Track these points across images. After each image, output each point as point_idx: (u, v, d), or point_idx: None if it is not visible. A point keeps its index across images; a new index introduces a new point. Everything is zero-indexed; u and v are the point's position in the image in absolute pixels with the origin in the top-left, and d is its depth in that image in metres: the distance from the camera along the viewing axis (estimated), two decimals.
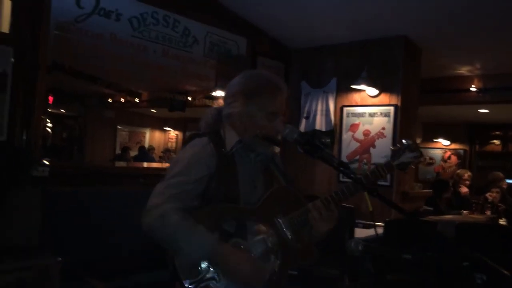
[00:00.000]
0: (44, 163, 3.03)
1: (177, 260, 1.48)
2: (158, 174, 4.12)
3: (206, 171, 1.58)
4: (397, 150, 1.70)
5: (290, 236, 1.62)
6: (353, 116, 5.07)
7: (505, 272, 1.16)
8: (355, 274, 2.19)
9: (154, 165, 6.95)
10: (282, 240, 1.61)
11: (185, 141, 1.70)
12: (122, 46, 3.88)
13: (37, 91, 3.19)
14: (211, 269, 1.48)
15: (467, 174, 5.98)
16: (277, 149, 1.88)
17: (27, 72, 3.12)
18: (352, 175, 1.52)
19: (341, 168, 1.51)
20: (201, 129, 1.73)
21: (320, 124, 5.22)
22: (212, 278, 1.47)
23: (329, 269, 2.59)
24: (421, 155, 1.70)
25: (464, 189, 5.84)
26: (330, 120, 5.15)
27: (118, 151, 10.79)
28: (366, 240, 1.55)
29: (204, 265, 1.48)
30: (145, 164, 6.55)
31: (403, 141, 1.70)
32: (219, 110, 1.73)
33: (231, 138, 1.67)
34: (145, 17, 3.95)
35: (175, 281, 1.51)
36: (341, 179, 4.96)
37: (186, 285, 1.45)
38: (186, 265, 1.48)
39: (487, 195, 5.60)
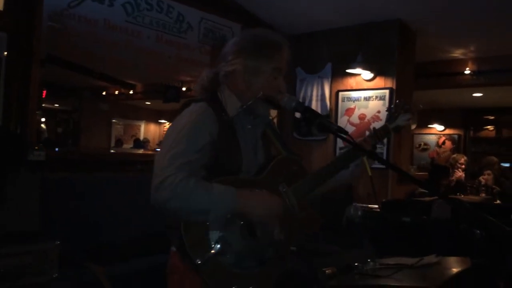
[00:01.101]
0: (41, 148, 3.02)
1: (186, 237, 1.43)
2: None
3: (209, 138, 1.51)
4: (393, 113, 1.71)
5: (295, 205, 1.61)
6: (348, 101, 5.08)
7: (503, 225, 1.18)
8: (354, 247, 2.21)
9: (150, 151, 6.95)
10: (287, 209, 1.59)
11: (181, 107, 1.61)
12: (115, 31, 3.86)
13: (31, 81, 3.17)
14: (220, 243, 1.45)
15: (463, 159, 6.03)
16: (273, 113, 1.86)
17: (21, 61, 3.10)
18: (351, 140, 1.52)
19: (341, 134, 1.52)
20: (197, 93, 1.66)
21: (315, 109, 5.22)
22: (221, 253, 1.44)
23: (329, 245, 2.60)
24: (414, 117, 1.72)
25: (459, 173, 5.89)
26: (326, 105, 5.16)
27: (113, 145, 10.76)
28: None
29: (213, 239, 1.44)
30: (142, 151, 6.55)
31: (397, 101, 1.73)
32: (216, 72, 1.65)
33: (231, 102, 1.61)
34: (139, 2, 3.93)
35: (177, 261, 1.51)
36: None
37: (197, 261, 1.41)
38: (196, 241, 1.43)
39: (481, 178, 5.66)
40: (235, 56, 1.59)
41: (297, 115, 5.20)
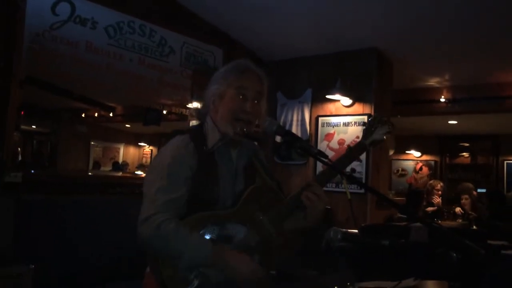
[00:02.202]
0: (17, 170, 2.97)
1: (164, 272, 1.46)
2: (133, 184, 4.09)
3: (190, 173, 1.58)
4: (368, 128, 1.73)
5: (272, 232, 1.63)
6: (328, 126, 5.15)
7: (479, 248, 1.21)
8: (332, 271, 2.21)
9: (129, 174, 6.86)
10: (264, 237, 1.61)
11: (170, 136, 1.69)
12: (97, 54, 3.87)
13: (10, 102, 3.15)
14: (198, 278, 1.47)
15: (439, 185, 6.13)
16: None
17: (0, 82, 3.08)
18: (329, 163, 1.55)
19: (320, 157, 1.55)
20: (194, 116, 1.76)
21: (296, 134, 5.28)
22: (200, 286, 1.47)
23: (308, 270, 2.60)
24: (392, 127, 1.74)
25: (436, 199, 5.98)
26: (306, 130, 5.22)
27: (91, 167, 10.58)
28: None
29: (192, 274, 1.47)
30: (120, 173, 6.46)
31: (372, 116, 1.74)
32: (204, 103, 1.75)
33: (213, 134, 1.67)
34: (121, 26, 3.96)
35: None
36: None
37: None
38: (175, 275, 1.46)
39: (457, 209, 5.78)
40: (210, 86, 1.71)
41: (278, 139, 5.26)
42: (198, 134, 1.68)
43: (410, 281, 1.78)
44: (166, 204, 1.50)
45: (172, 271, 1.46)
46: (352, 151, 1.69)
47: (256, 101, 1.67)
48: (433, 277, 1.68)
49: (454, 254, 1.25)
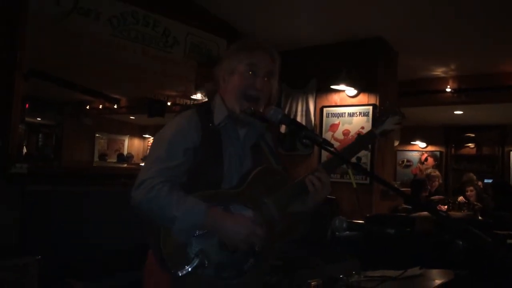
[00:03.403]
0: (23, 160, 2.98)
1: (164, 249, 1.44)
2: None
3: (191, 145, 1.56)
4: (378, 118, 1.70)
5: (276, 216, 1.60)
6: (332, 116, 5.13)
7: (485, 237, 1.19)
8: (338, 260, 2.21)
9: (134, 166, 6.88)
10: (268, 220, 1.58)
11: (175, 115, 1.68)
12: (101, 45, 3.85)
13: (14, 94, 3.15)
14: (199, 256, 1.45)
15: (435, 173, 6.17)
16: None
17: (4, 74, 3.08)
18: (334, 152, 1.54)
19: (325, 146, 1.53)
20: (203, 94, 1.75)
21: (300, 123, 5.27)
22: (200, 265, 1.44)
23: (313, 259, 2.60)
24: (403, 117, 1.71)
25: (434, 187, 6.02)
26: (311, 121, 5.20)
27: (96, 159, 10.63)
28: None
29: (192, 252, 1.45)
30: (125, 165, 6.49)
31: (384, 105, 1.71)
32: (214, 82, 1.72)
33: (220, 111, 1.64)
34: (125, 16, 3.94)
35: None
36: None
37: (177, 274, 1.42)
38: (175, 253, 1.44)
39: (460, 198, 5.77)
40: (220, 63, 1.69)
41: (282, 129, 5.24)
42: (204, 110, 1.65)
43: (416, 270, 1.78)
44: (161, 171, 1.49)
45: (172, 249, 1.45)
46: (362, 140, 1.67)
47: (266, 79, 1.65)
48: (439, 265, 1.68)
49: (461, 242, 1.23)
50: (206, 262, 1.45)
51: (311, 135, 1.56)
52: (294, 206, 1.64)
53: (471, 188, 5.78)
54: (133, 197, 1.48)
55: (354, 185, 1.56)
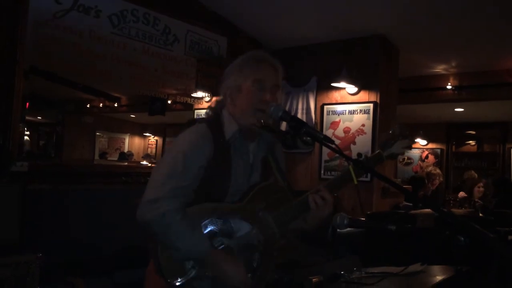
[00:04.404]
0: (23, 159, 2.98)
1: (162, 258, 1.46)
2: (138, 173, 4.10)
3: (204, 162, 1.56)
4: (387, 139, 1.69)
5: (276, 232, 1.61)
6: (333, 114, 5.13)
7: (487, 232, 1.19)
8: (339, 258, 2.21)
9: (135, 164, 6.88)
10: (267, 236, 1.60)
11: (187, 124, 1.66)
12: (101, 43, 3.85)
13: (15, 92, 3.15)
14: (196, 268, 1.47)
15: (437, 171, 6.15)
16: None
17: (4, 72, 3.08)
18: (336, 148, 1.53)
19: (326, 142, 1.53)
20: (212, 105, 1.72)
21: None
22: (197, 278, 1.47)
23: (313, 257, 2.60)
24: (412, 141, 1.71)
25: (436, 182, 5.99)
26: (311, 118, 5.20)
27: (97, 158, 10.63)
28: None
29: (189, 264, 1.47)
30: (126, 163, 6.48)
31: (396, 127, 1.69)
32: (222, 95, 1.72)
33: (230, 125, 1.64)
34: (125, 14, 3.93)
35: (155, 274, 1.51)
36: (322, 176, 5.01)
37: (172, 282, 1.45)
38: (172, 263, 1.47)
39: (460, 193, 5.76)
40: (223, 80, 1.68)
41: (283, 127, 5.24)
42: (215, 124, 1.65)
43: (417, 266, 1.77)
44: (174, 190, 1.48)
45: (169, 258, 1.47)
46: (369, 161, 1.67)
47: (273, 92, 1.64)
48: (440, 262, 1.67)
49: (462, 238, 1.23)
50: (202, 275, 1.47)
51: (312, 131, 1.56)
52: (295, 223, 1.65)
53: (481, 185, 5.79)
54: (142, 214, 1.47)
55: (355, 182, 1.55)
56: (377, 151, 1.72)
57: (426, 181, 5.76)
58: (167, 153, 1.61)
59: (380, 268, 1.76)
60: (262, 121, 1.61)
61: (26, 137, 8.03)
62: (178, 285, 1.44)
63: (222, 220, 1.53)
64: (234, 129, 1.63)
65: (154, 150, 12.35)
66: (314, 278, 1.60)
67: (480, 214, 5.28)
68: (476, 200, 5.80)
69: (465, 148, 10.06)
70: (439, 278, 1.62)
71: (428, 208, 1.90)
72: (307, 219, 1.65)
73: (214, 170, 1.58)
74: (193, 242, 1.45)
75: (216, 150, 1.58)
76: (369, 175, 4.78)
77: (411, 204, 5.08)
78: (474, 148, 9.91)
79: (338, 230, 1.56)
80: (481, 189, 5.82)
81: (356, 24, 4.70)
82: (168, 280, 1.44)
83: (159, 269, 1.47)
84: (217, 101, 1.72)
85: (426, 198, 5.57)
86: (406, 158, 10.33)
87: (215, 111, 1.70)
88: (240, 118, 1.63)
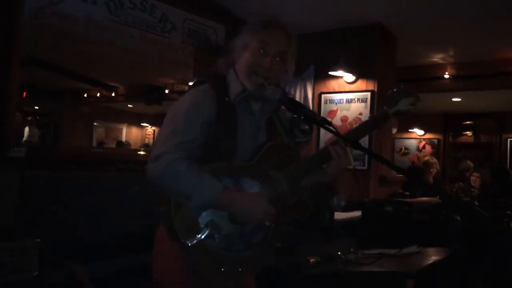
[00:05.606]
0: (21, 145, 2.98)
1: (175, 219, 1.45)
2: (136, 160, 4.11)
3: (206, 119, 1.56)
4: (391, 97, 1.67)
5: (286, 191, 1.60)
6: (330, 103, 5.13)
7: (483, 212, 1.21)
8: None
9: (133, 150, 6.89)
10: (278, 195, 1.58)
11: (189, 88, 1.67)
12: (98, 30, 3.82)
13: (12, 80, 3.13)
14: (209, 227, 1.46)
15: (433, 160, 6.17)
16: None
17: (1, 60, 3.06)
18: (334, 130, 1.54)
19: (324, 124, 1.54)
20: (218, 66, 1.71)
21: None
22: (210, 236, 1.46)
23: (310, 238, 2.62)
24: (418, 99, 1.69)
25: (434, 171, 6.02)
26: (308, 107, 5.20)
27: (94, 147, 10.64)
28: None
29: (203, 223, 1.46)
30: (124, 150, 6.49)
31: (400, 85, 1.69)
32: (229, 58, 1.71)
33: (234, 86, 1.64)
34: (122, 1, 3.90)
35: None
36: None
37: (187, 243, 1.43)
38: (184, 224, 1.45)
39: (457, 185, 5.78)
40: (237, 37, 1.69)
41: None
42: (219, 83, 1.65)
43: (413, 248, 1.79)
44: (178, 145, 1.49)
45: (182, 219, 1.46)
46: (375, 119, 1.66)
47: (278, 59, 1.63)
48: (436, 243, 1.69)
49: (458, 218, 1.25)
50: (216, 233, 1.46)
51: (311, 113, 1.57)
52: (308, 179, 1.65)
53: (477, 174, 5.82)
54: (150, 170, 1.47)
55: (352, 161, 1.55)
56: (382, 110, 1.70)
57: (425, 171, 5.79)
58: (169, 113, 1.60)
59: (377, 250, 1.78)
60: (265, 83, 1.59)
61: (27, 128, 8.01)
62: (192, 244, 1.43)
63: (233, 179, 1.53)
64: (239, 90, 1.63)
65: (151, 141, 12.38)
66: (311, 259, 1.62)
67: (476, 203, 5.32)
68: (472, 189, 5.83)
69: (462, 139, 10.10)
70: (434, 258, 1.64)
71: (430, 192, 1.91)
72: (328, 170, 1.67)
73: (219, 129, 1.57)
74: (205, 184, 1.44)
75: (220, 109, 1.58)
76: (366, 163, 4.82)
77: (407, 193, 5.11)
78: (471, 139, 9.96)
79: (335, 213, 1.56)
80: (476, 178, 5.85)
81: (354, 13, 4.69)
82: (182, 240, 1.43)
83: (171, 231, 1.47)
84: (224, 59, 1.70)
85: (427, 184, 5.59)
86: (403, 148, 10.37)
87: (221, 71, 1.70)
88: (241, 77, 1.64)
